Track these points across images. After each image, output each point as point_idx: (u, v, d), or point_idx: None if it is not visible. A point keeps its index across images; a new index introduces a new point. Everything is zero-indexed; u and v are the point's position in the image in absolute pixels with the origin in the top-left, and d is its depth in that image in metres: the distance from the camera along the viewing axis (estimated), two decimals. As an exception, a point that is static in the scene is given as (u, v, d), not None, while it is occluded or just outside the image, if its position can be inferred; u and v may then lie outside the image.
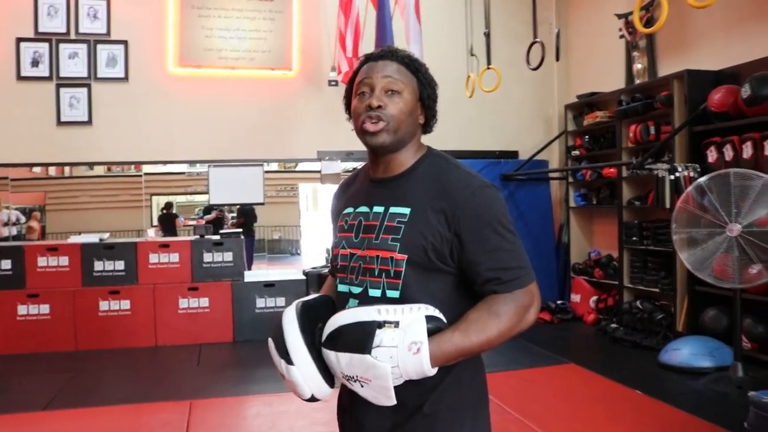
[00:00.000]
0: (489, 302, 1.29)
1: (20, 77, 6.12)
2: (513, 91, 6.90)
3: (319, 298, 1.46)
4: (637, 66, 6.19)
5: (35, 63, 6.10)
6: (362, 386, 1.23)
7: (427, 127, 1.47)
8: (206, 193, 6.80)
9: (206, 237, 6.38)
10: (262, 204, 7.27)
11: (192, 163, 8.56)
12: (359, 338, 1.21)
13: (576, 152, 6.93)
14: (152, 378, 4.95)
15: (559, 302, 6.81)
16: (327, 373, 1.31)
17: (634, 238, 5.92)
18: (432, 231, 1.30)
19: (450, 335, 1.24)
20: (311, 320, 1.35)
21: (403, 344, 1.19)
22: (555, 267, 7.18)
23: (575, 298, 6.83)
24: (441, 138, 6.49)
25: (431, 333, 1.22)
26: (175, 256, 6.10)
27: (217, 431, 3.77)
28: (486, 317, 1.26)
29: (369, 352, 1.19)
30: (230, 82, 6.65)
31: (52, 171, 13.11)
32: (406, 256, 1.31)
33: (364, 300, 1.35)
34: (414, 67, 1.41)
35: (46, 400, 4.34)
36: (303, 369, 1.31)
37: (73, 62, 6.18)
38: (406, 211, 1.34)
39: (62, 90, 6.18)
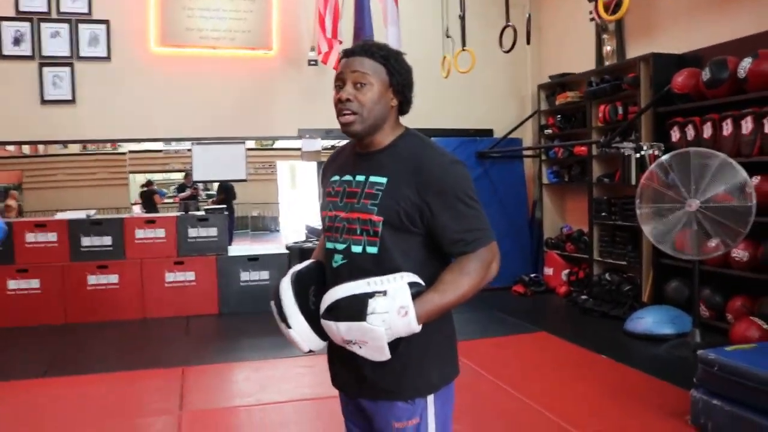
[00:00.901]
0: (459, 263, 1.53)
1: (2, 56, 6.18)
2: (488, 71, 7.11)
3: (310, 264, 1.71)
4: (607, 48, 6.44)
5: (17, 42, 6.16)
6: (360, 348, 1.45)
7: (402, 110, 1.66)
8: (183, 171, 6.94)
9: (191, 213, 6.54)
10: (245, 180, 7.44)
11: (174, 141, 8.68)
12: (355, 308, 1.42)
13: (549, 131, 7.20)
14: (143, 348, 5.15)
15: (532, 275, 7.09)
16: (319, 330, 1.56)
17: (603, 214, 6.22)
18: (405, 198, 1.53)
19: (431, 296, 1.47)
20: (304, 286, 1.62)
21: (393, 309, 1.41)
22: (529, 242, 7.46)
23: (548, 271, 7.12)
24: (418, 116, 6.70)
25: (414, 296, 1.45)
26: (161, 231, 6.26)
27: (211, 394, 3.99)
28: (458, 276, 1.50)
29: (365, 319, 1.41)
30: (211, 61, 6.77)
31: (27, 149, 13.06)
32: (383, 218, 1.54)
33: (348, 255, 1.59)
34: (383, 58, 1.59)
35: (42, 368, 4.52)
36: (299, 330, 1.57)
37: (55, 41, 6.25)
38: (384, 180, 1.57)
39: (45, 69, 6.25)
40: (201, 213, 6.58)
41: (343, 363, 1.66)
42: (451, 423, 1.70)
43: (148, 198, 12.28)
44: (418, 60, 7.48)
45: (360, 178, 1.61)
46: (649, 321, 5.05)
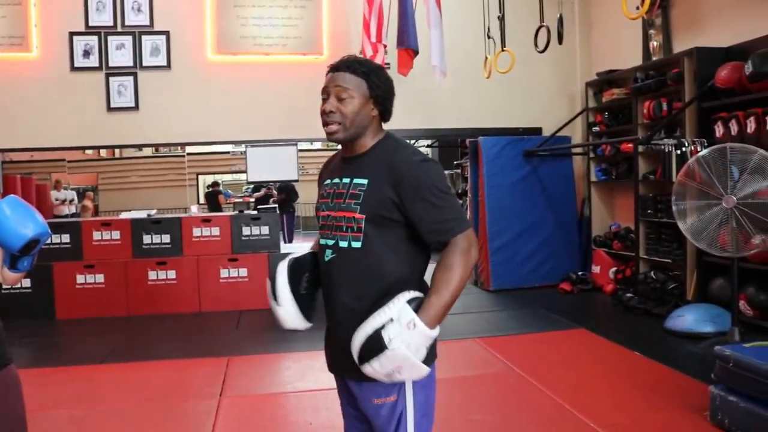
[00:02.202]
0: (443, 261, 1.66)
1: (74, 68, 6.69)
2: (536, 69, 7.16)
3: (307, 254, 1.92)
4: (653, 43, 6.38)
5: (86, 54, 6.64)
6: (400, 374, 1.60)
7: (383, 118, 1.83)
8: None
9: (245, 212, 6.87)
10: (297, 181, 7.72)
11: (230, 143, 9.07)
12: (376, 345, 1.58)
13: (596, 128, 7.18)
14: (195, 339, 5.49)
15: (580, 273, 7.09)
16: (305, 313, 1.81)
17: (649, 211, 6.17)
18: (383, 197, 1.70)
19: (430, 301, 1.62)
20: (299, 272, 1.83)
21: (403, 328, 1.57)
22: (577, 240, 7.45)
23: (596, 269, 7.10)
24: (466, 117, 6.88)
25: (418, 308, 1.61)
26: (216, 230, 6.61)
27: (251, 381, 4.25)
28: (446, 273, 1.64)
29: (387, 347, 1.57)
30: (265, 67, 7.08)
31: (104, 154, 13.85)
32: (365, 216, 1.71)
33: (336, 249, 1.77)
34: (364, 74, 1.76)
35: (103, 355, 4.92)
36: (286, 308, 1.80)
37: (120, 53, 6.70)
38: (365, 181, 1.74)
39: (111, 79, 6.71)
40: (254, 212, 6.89)
41: (333, 349, 1.85)
42: (432, 405, 1.81)
43: (214, 198, 12.81)
44: (462, 61, 7.65)
45: (345, 180, 1.79)
46: (689, 319, 5.01)
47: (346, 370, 1.79)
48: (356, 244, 1.73)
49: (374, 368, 1.59)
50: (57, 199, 11.68)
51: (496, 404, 3.67)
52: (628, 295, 6.08)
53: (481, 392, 3.91)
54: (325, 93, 1.77)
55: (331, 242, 1.78)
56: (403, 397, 1.74)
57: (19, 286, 6.15)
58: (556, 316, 5.81)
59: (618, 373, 4.16)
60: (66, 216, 11.16)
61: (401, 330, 1.56)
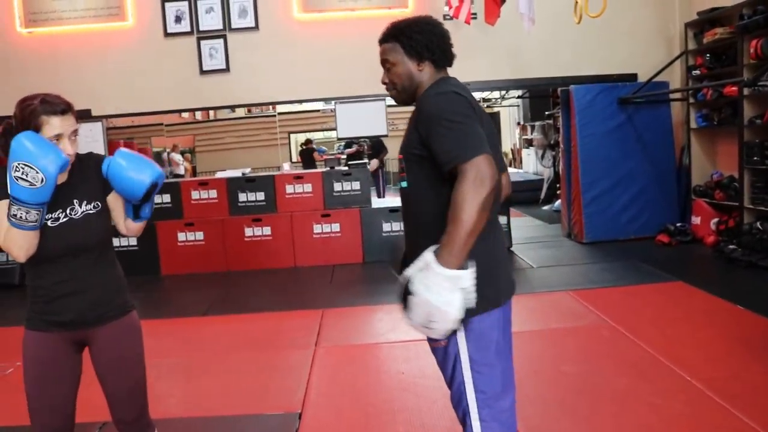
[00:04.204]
0: (452, 196, 1.60)
1: (167, 34, 6.93)
2: (631, 12, 6.83)
3: None
4: (762, -23, 5.92)
5: (178, 20, 6.85)
6: (434, 322, 1.60)
7: (437, 65, 1.86)
8: (339, 128, 7.32)
9: (336, 168, 7.00)
10: (386, 136, 7.76)
11: (318, 101, 9.17)
12: (405, 295, 1.64)
13: (697, 72, 6.79)
14: (291, 292, 5.71)
15: (678, 224, 6.82)
16: None
17: (756, 158, 5.82)
18: (412, 135, 1.76)
19: (441, 242, 1.59)
20: None
21: (421, 273, 1.60)
22: (676, 190, 7.14)
23: (695, 220, 6.80)
24: (557, 65, 6.68)
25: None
26: (308, 186, 6.77)
27: (344, 332, 4.39)
28: (452, 209, 1.58)
29: (412, 294, 1.61)
30: (350, 23, 7.08)
31: (199, 116, 14.34)
32: (403, 156, 1.81)
33: (400, 189, 1.87)
34: (394, 37, 1.85)
35: (204, 308, 5.21)
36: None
37: (209, 16, 6.87)
38: (407, 125, 1.83)
39: (202, 42, 6.91)
40: (345, 168, 6.99)
41: None
42: (497, 352, 1.79)
43: (308, 156, 13.04)
44: (551, 7, 7.40)
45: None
46: (798, 270, 4.75)
47: None
48: (404, 184, 1.83)
49: (412, 320, 1.63)
50: (176, 161, 12.57)
51: (587, 356, 3.63)
52: (731, 246, 5.81)
53: (572, 344, 3.87)
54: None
55: (401, 185, 1.88)
56: (455, 342, 1.76)
57: (126, 244, 6.58)
58: (653, 268, 5.63)
59: (717, 326, 4.02)
60: (182, 176, 11.99)
61: (419, 275, 1.59)
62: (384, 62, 1.87)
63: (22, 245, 1.79)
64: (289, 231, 6.71)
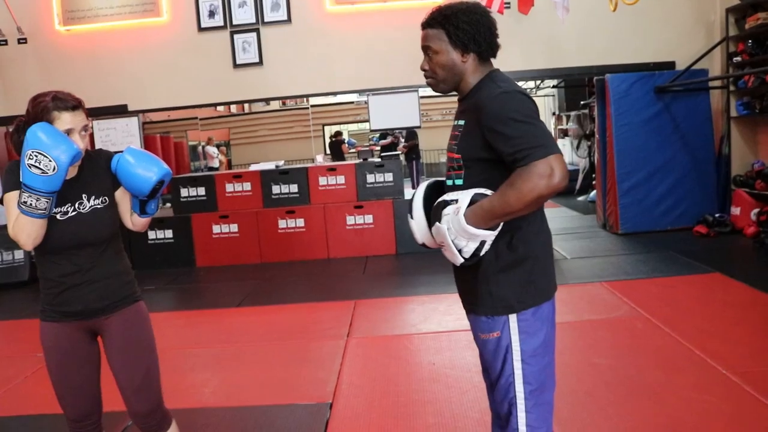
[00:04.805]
0: (510, 177, 1.61)
1: (201, 29, 7.01)
2: (669, -1, 6.68)
3: (443, 181, 1.95)
4: (805, -40, 5.75)
5: (212, 14, 6.93)
6: (445, 250, 1.70)
7: (482, 56, 1.79)
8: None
9: (369, 160, 7.02)
10: (419, 127, 7.74)
11: (350, 93, 9.19)
12: (437, 213, 1.69)
13: (738, 58, 6.62)
14: (324, 284, 5.76)
15: (717, 215, 6.67)
16: None
17: (798, 146, 5.67)
18: (473, 135, 1.71)
19: (481, 203, 1.62)
20: (435, 194, 1.85)
21: (453, 211, 1.64)
22: (714, 180, 6.99)
23: (735, 211, 6.65)
24: (592, 54, 6.58)
25: (473, 203, 1.63)
26: (341, 178, 6.81)
27: (376, 323, 4.41)
28: (505, 188, 1.60)
29: (440, 220, 1.66)
30: (382, 14, 7.07)
31: (234, 110, 14.49)
32: (461, 155, 1.76)
33: (450, 188, 1.82)
34: (440, 24, 1.76)
35: (238, 299, 5.29)
36: (417, 221, 1.84)
37: (242, 10, 6.93)
38: (462, 123, 1.78)
39: (236, 36, 6.98)
40: (377, 160, 7.01)
41: (456, 282, 1.91)
42: (545, 346, 1.79)
43: (337, 148, 13.10)
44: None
45: (455, 122, 1.85)
46: (842, 262, 4.62)
47: (463, 302, 1.89)
48: (459, 182, 1.78)
49: (433, 233, 1.73)
50: (211, 154, 12.81)
51: (620, 348, 3.60)
52: (772, 237, 5.67)
53: (605, 336, 3.84)
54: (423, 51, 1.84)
55: (448, 182, 1.84)
56: (507, 334, 1.76)
57: (162, 236, 6.71)
58: (690, 259, 5.53)
59: (756, 319, 3.93)
60: (216, 168, 12.22)
61: (451, 212, 1.63)
62: (426, 48, 1.79)
63: (30, 233, 1.85)
64: (323, 223, 6.76)
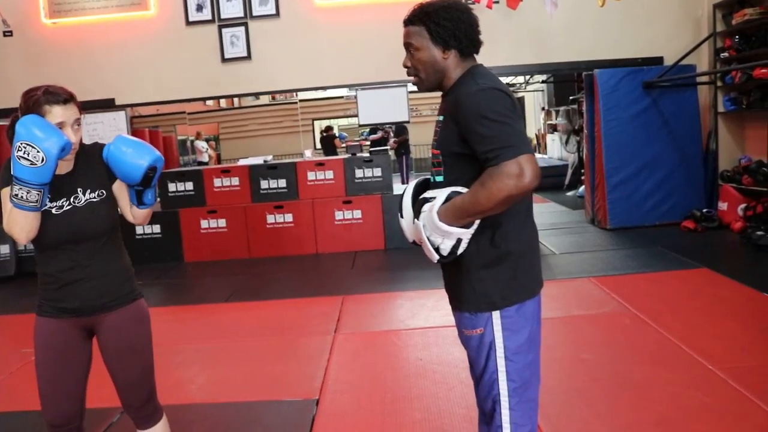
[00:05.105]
0: (481, 176, 1.61)
1: (189, 22, 6.95)
2: (658, -7, 6.69)
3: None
4: (793, -44, 5.76)
5: (199, 8, 6.87)
6: (423, 246, 1.70)
7: (463, 53, 1.78)
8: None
9: (357, 155, 6.99)
10: (408, 122, 7.72)
11: (340, 87, 9.15)
12: (416, 212, 1.70)
13: (725, 54, 6.64)
14: (312, 279, 5.74)
15: (705, 210, 6.70)
16: None
17: (785, 142, 5.70)
18: (451, 131, 1.70)
19: (454, 201, 1.63)
20: (423, 191, 1.82)
21: (428, 208, 1.64)
22: (702, 175, 7.02)
23: (722, 206, 6.68)
24: (581, 49, 6.58)
25: (448, 200, 1.64)
26: (330, 173, 6.78)
27: (364, 318, 4.40)
28: (476, 187, 1.60)
29: (417, 218, 1.68)
30: (371, 9, 7.03)
31: (223, 104, 14.42)
32: (440, 151, 1.76)
33: (433, 184, 1.82)
34: (421, 21, 1.75)
35: (226, 295, 5.27)
36: (407, 220, 1.83)
37: (230, 4, 6.87)
38: (441, 119, 1.78)
39: (224, 30, 6.93)
40: (366, 155, 6.99)
41: (443, 278, 1.91)
42: (529, 343, 1.78)
43: (329, 142, 13.05)
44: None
45: (438, 118, 1.84)
46: (828, 257, 4.64)
47: (449, 299, 1.89)
48: (439, 178, 1.78)
49: (411, 230, 1.77)
50: (200, 149, 12.79)
51: (608, 344, 3.60)
52: (760, 233, 5.69)
53: (593, 332, 3.84)
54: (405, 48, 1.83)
55: (431, 179, 1.84)
56: (490, 331, 1.75)
57: (150, 231, 6.66)
58: (678, 255, 5.55)
59: (744, 315, 3.94)
60: (206, 163, 12.17)
61: (427, 209, 1.65)
62: (407, 45, 1.79)
63: (23, 226, 1.83)
64: (311, 218, 6.74)
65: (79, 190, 1.97)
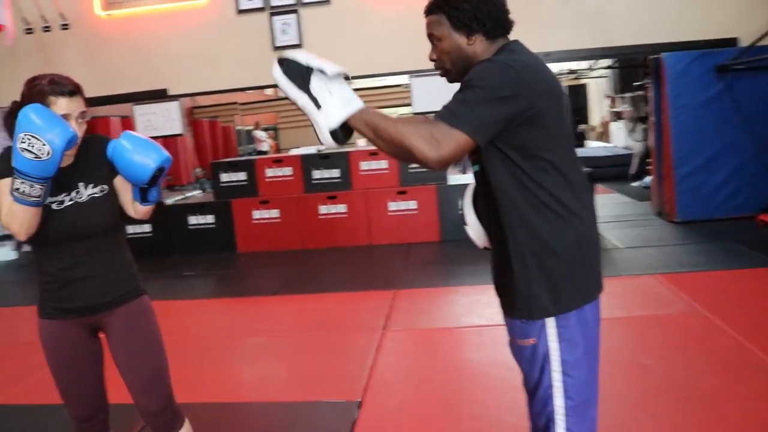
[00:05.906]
0: (418, 119, 1.49)
1: (239, 11, 6.89)
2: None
3: None
4: None
5: (250, -5, 6.81)
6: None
7: (489, 35, 1.61)
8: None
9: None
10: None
11: (392, 75, 9.00)
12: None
13: (809, 34, 6.17)
14: (364, 272, 5.63)
15: (784, 203, 6.28)
16: None
17: None
18: None
19: (377, 111, 1.52)
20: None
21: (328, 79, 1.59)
22: (781, 165, 6.58)
23: (803, 197, 6.24)
24: (646, 31, 6.22)
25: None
26: (384, 162, 6.64)
27: (415, 315, 4.25)
28: (404, 119, 1.48)
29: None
30: (426, -7, 6.83)
31: (281, 93, 14.50)
32: None
33: (475, 174, 1.67)
34: (438, 8, 1.61)
35: (276, 287, 5.21)
36: (472, 226, 1.76)
37: (282, -9, 6.79)
38: None
39: (275, 18, 6.83)
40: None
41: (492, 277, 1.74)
42: (587, 355, 1.60)
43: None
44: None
45: None
46: None
47: (500, 302, 1.70)
48: (476, 168, 1.63)
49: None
50: (259, 138, 13.08)
51: (672, 348, 3.35)
52: (844, 226, 5.28)
53: (656, 334, 3.59)
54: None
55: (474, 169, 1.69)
56: (544, 341, 1.57)
57: (204, 222, 6.68)
58: (752, 251, 5.18)
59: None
60: (266, 153, 12.38)
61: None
62: (430, 36, 1.65)
63: (23, 222, 1.73)
64: (364, 208, 6.62)
65: (80, 184, 1.88)
